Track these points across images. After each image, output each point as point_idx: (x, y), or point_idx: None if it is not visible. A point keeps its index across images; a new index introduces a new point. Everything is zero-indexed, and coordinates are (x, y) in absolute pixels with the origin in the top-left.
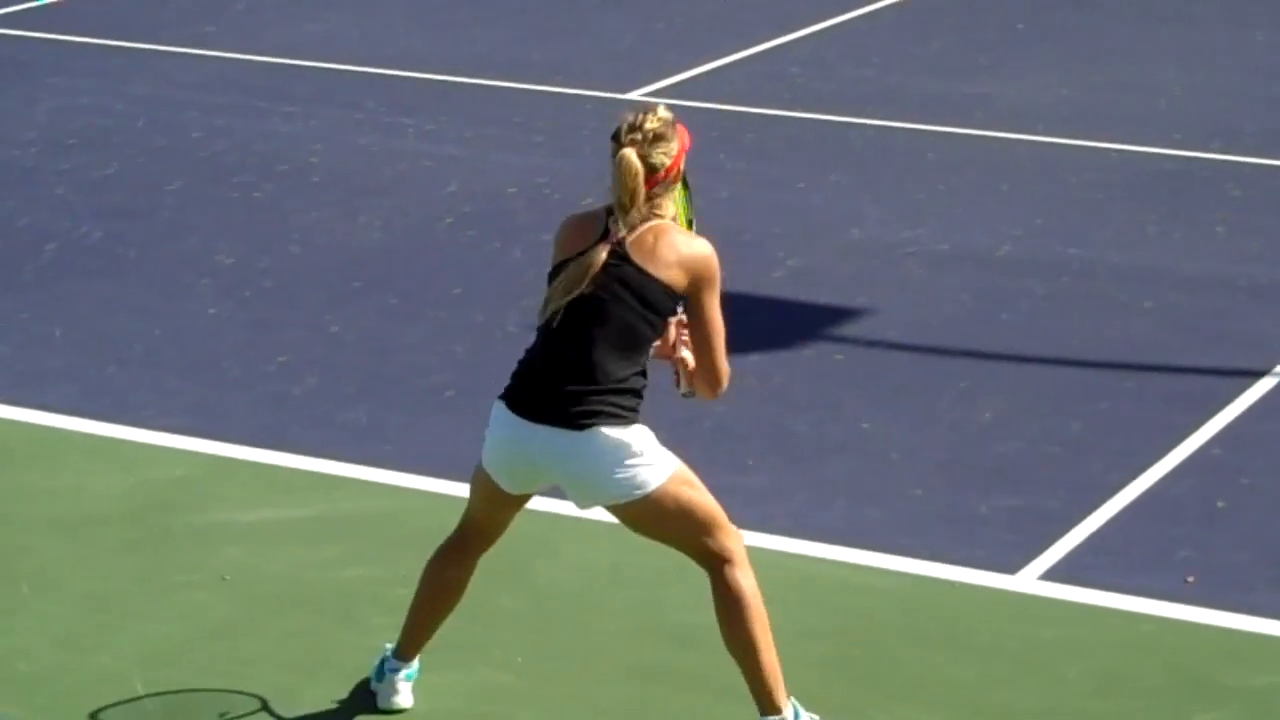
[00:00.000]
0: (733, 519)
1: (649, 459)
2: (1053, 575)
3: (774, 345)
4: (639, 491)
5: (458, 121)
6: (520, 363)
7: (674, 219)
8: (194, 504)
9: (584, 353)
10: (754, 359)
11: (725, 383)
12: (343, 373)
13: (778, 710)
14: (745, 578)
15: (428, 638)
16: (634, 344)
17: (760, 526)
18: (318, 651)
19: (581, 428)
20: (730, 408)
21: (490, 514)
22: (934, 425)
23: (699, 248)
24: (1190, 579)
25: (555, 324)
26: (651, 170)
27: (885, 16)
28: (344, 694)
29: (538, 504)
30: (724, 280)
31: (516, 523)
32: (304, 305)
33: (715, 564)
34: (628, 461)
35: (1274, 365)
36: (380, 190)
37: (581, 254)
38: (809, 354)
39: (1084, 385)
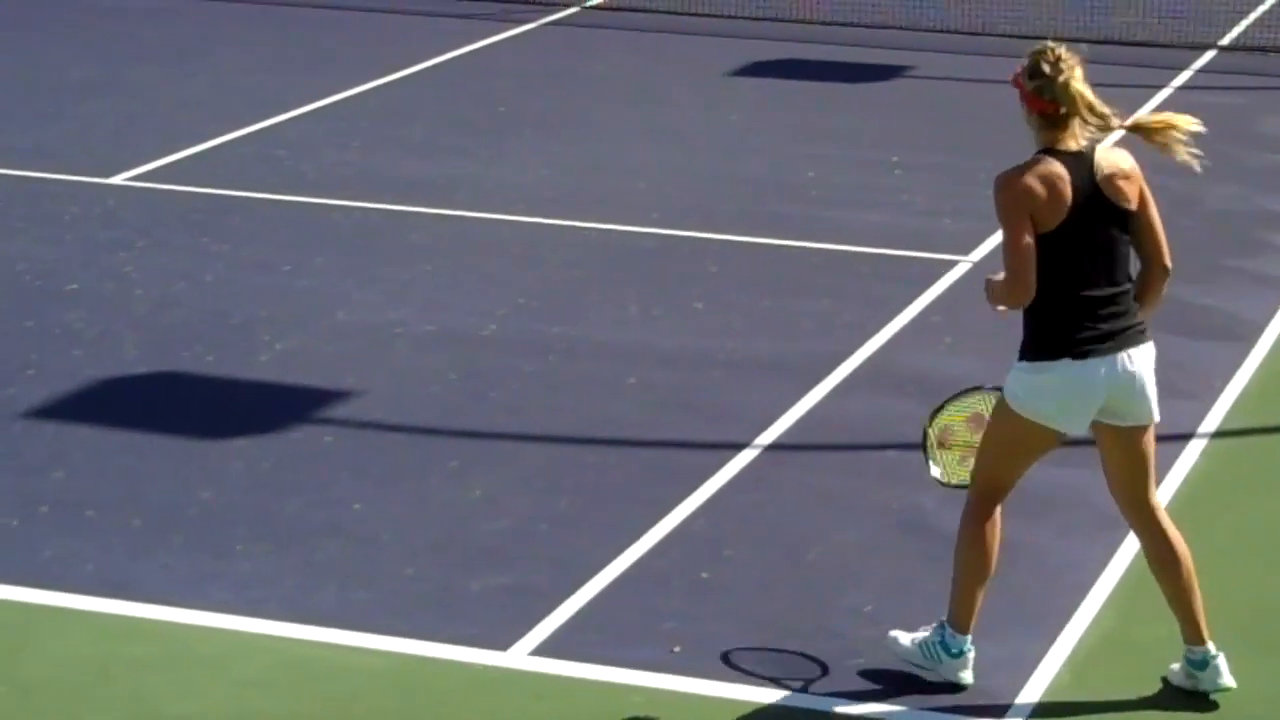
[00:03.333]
0: (222, 605)
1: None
2: (543, 650)
3: (262, 429)
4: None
5: None
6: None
7: None
8: None
9: None
10: (241, 443)
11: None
12: None
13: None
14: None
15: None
16: None
17: (249, 611)
18: None
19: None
20: (216, 493)
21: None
22: (425, 505)
23: None
24: (677, 649)
25: None
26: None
27: (370, 100)
28: None
29: (13, 594)
30: (210, 364)
31: None
32: None
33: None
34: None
35: (753, 438)
36: None
37: None
38: (297, 436)
39: (571, 462)
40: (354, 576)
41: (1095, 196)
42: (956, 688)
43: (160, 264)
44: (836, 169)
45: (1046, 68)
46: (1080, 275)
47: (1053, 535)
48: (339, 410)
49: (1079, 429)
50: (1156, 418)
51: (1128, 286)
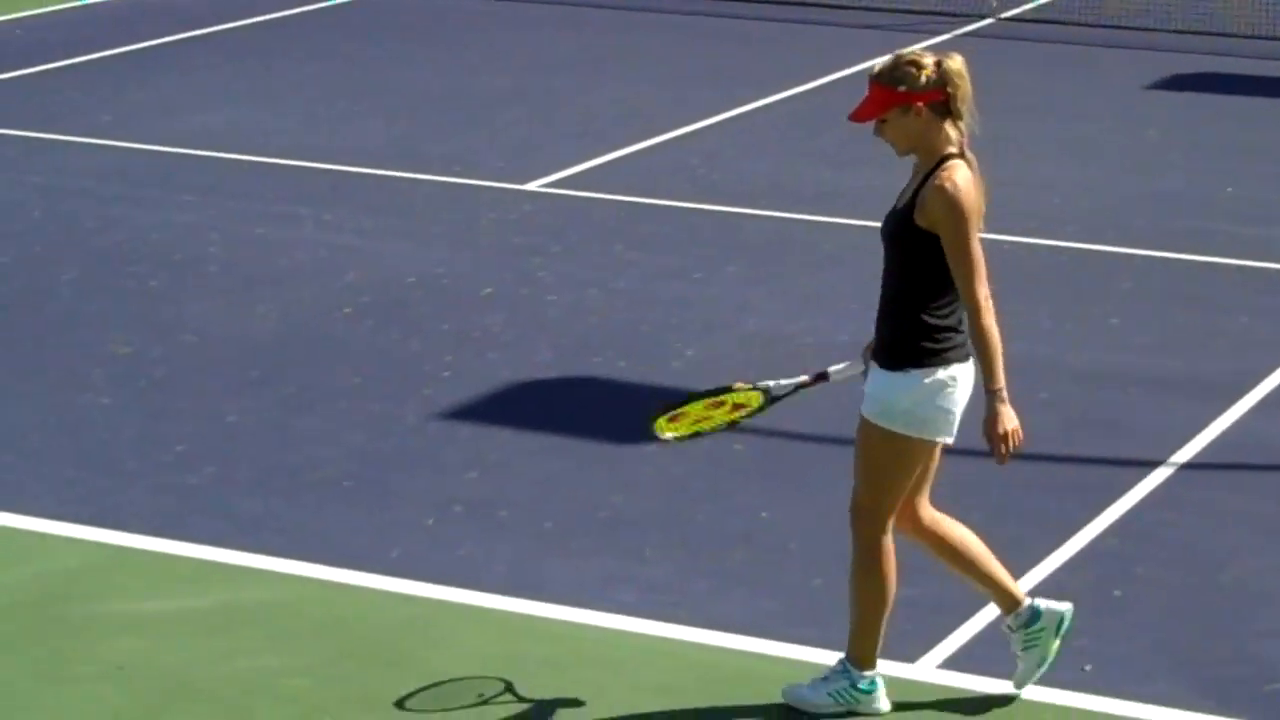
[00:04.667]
0: (629, 609)
1: None
2: (951, 664)
3: None
4: None
5: (355, 212)
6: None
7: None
8: (90, 594)
9: None
10: (651, 449)
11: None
12: (239, 462)
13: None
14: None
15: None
16: None
17: (658, 616)
18: None
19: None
20: (626, 498)
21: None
22: (833, 515)
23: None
24: (1088, 667)
25: None
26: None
27: (782, 109)
28: None
29: (422, 589)
30: (621, 369)
31: (406, 611)
32: (201, 394)
33: None
34: None
35: (1166, 456)
36: (277, 280)
37: None
38: (707, 444)
39: (979, 476)
40: (762, 585)
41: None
42: None
43: (573, 270)
44: (1258, 184)
45: (914, 66)
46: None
47: None
48: (750, 419)
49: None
50: None
51: None
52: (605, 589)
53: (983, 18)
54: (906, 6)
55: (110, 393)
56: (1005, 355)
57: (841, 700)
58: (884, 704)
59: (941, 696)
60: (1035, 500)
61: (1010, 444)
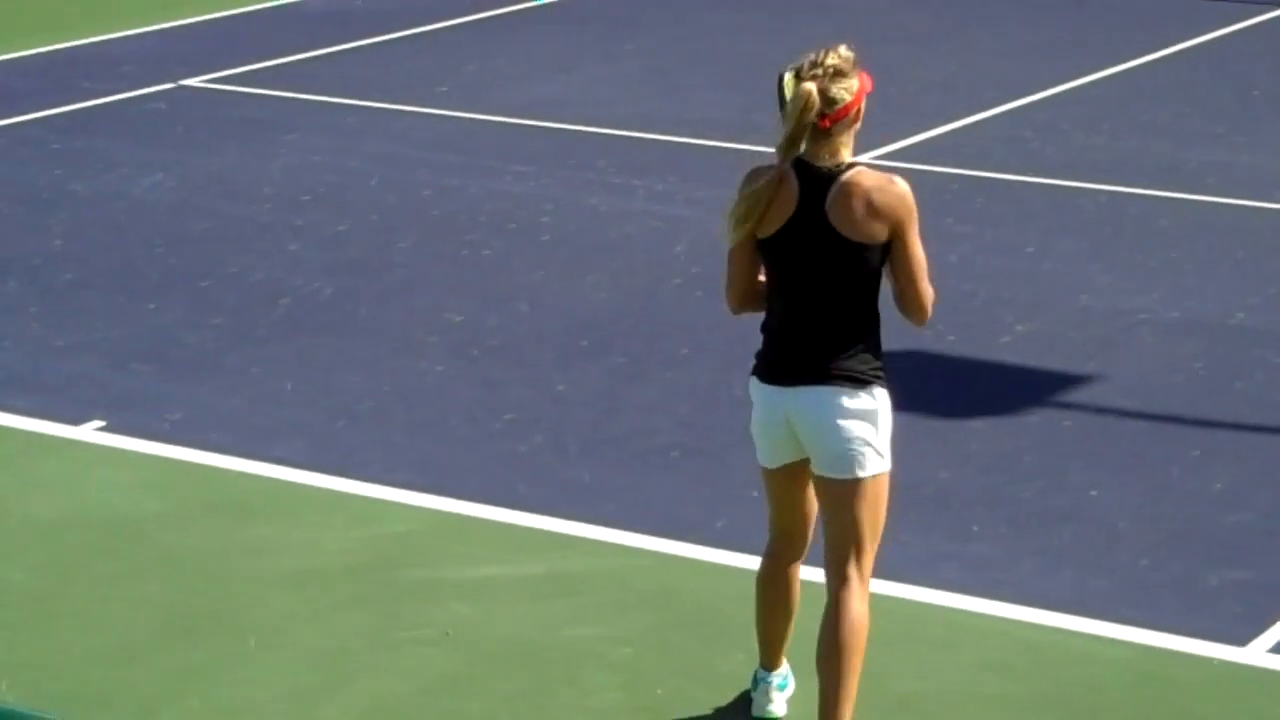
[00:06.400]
0: (956, 585)
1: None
2: None
3: (1001, 410)
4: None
5: (688, 183)
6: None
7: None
8: (420, 559)
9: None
10: (979, 424)
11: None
12: (569, 431)
13: None
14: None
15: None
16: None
17: (984, 593)
18: (539, 711)
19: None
20: (953, 474)
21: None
22: (1164, 495)
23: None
24: None
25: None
26: (831, 104)
27: (1119, 83)
28: None
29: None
30: (951, 343)
31: (733, 583)
32: (531, 364)
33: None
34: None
35: None
36: (609, 250)
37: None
38: (1035, 420)
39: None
40: (1090, 563)
41: None
42: None
43: None
44: None
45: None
46: None
47: None
48: (1079, 395)
49: None
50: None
51: None
52: (931, 565)
53: None
54: None
55: (444, 360)
56: None
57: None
58: (766, 708)
59: (1272, 683)
60: None
61: None
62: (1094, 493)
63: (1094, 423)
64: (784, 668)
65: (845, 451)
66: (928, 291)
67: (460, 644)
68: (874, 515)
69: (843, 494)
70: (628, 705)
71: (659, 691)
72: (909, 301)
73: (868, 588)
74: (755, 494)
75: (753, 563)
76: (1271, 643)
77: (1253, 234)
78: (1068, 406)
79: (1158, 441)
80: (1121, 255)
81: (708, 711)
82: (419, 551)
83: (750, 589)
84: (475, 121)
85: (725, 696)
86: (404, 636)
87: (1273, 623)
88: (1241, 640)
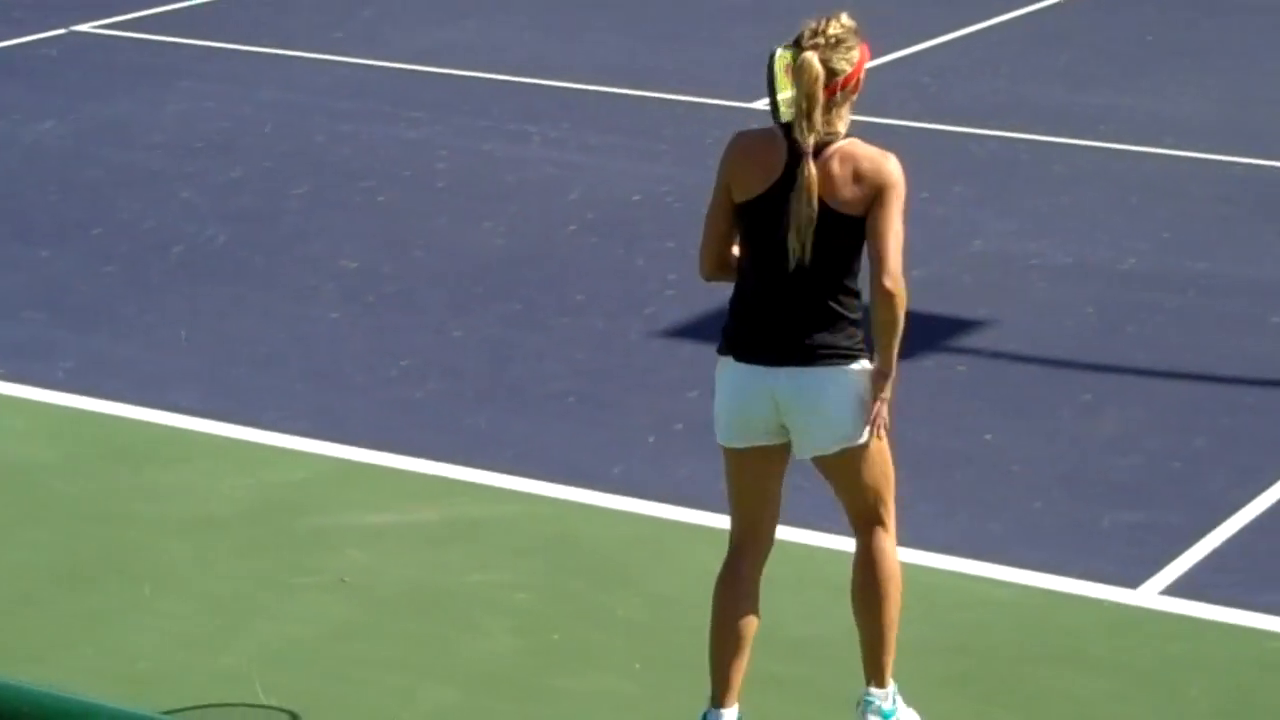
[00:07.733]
0: (849, 530)
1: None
2: (1175, 590)
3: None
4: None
5: (582, 129)
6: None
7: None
8: (316, 506)
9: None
10: None
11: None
12: (465, 378)
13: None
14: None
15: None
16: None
17: None
18: (438, 655)
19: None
20: None
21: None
22: (1056, 438)
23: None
24: None
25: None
26: (831, 75)
27: (1014, 28)
28: (463, 698)
29: (647, 508)
30: None
31: (630, 529)
32: (427, 310)
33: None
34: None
35: None
36: (504, 196)
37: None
38: (929, 364)
39: (1208, 401)
40: (984, 507)
41: None
42: None
43: None
44: None
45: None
46: None
47: None
48: (972, 340)
49: None
50: None
51: None
52: (824, 510)
53: None
54: None
55: (339, 307)
56: (1235, 280)
57: None
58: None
59: (1164, 624)
60: (1264, 426)
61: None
62: (988, 436)
63: (987, 367)
64: (734, 712)
65: (843, 429)
66: (899, 267)
67: (357, 590)
68: (883, 468)
69: (848, 463)
70: (524, 649)
71: (555, 636)
72: (878, 276)
73: (894, 537)
74: (652, 439)
75: (650, 509)
76: (1163, 584)
77: (1145, 179)
78: (961, 351)
79: (1050, 385)
80: (1014, 201)
81: (603, 655)
82: (315, 498)
83: (646, 533)
84: (369, 68)
85: (620, 641)
86: (301, 583)
87: (1164, 565)
88: (1133, 582)
